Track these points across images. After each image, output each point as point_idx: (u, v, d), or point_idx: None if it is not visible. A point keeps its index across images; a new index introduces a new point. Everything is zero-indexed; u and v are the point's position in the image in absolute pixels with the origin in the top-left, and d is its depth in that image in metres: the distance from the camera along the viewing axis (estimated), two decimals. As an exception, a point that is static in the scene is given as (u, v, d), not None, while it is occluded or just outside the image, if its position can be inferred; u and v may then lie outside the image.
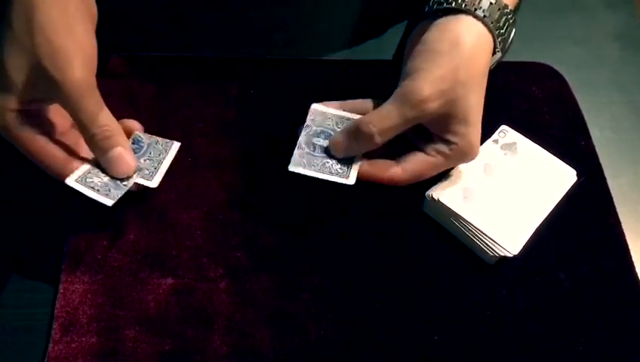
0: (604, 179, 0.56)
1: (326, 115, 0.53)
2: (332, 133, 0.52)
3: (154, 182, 0.49)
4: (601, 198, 0.55)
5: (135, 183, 0.49)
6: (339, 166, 0.51)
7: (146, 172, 0.49)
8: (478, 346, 0.48)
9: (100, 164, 0.48)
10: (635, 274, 0.52)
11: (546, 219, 0.51)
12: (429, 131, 0.50)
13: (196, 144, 0.56)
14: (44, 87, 0.45)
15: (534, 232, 0.50)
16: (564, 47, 0.65)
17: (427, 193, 0.52)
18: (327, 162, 0.51)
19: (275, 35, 0.61)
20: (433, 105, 0.47)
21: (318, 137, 0.52)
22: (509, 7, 0.49)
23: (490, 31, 0.48)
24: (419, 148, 0.51)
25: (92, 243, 0.51)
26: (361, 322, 0.49)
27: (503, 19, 0.48)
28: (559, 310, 0.50)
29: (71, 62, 0.45)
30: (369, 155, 0.52)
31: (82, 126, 0.47)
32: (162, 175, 0.49)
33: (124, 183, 0.48)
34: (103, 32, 0.47)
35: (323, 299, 0.49)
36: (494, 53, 0.50)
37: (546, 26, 0.67)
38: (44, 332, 0.47)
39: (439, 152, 0.50)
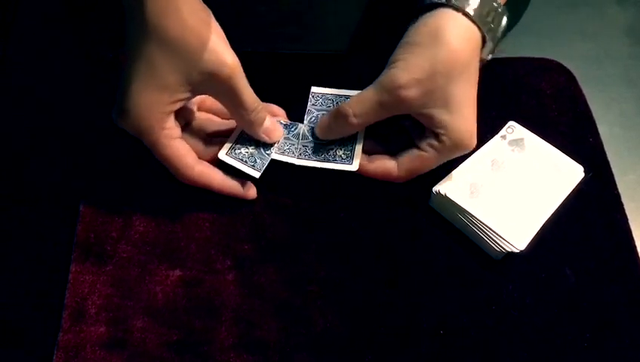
0: (611, 175, 0.56)
1: (326, 96, 0.54)
2: None
3: (297, 160, 0.52)
4: (609, 195, 0.55)
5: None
6: (342, 152, 0.51)
7: (286, 149, 0.52)
8: (484, 341, 0.48)
9: (255, 136, 0.51)
10: (642, 270, 0.52)
11: (552, 214, 0.51)
12: (425, 126, 0.50)
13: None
14: (200, 80, 0.46)
15: (541, 228, 0.51)
16: (572, 43, 0.65)
17: (434, 188, 0.52)
18: (331, 149, 0.52)
19: (285, 28, 0.61)
20: (409, 94, 0.48)
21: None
22: None
23: (473, 22, 0.48)
24: (415, 143, 0.51)
25: (101, 235, 0.51)
26: (367, 315, 0.49)
27: (487, 9, 0.49)
28: (565, 305, 0.50)
29: (224, 50, 0.45)
30: (369, 151, 0.52)
31: (241, 106, 0.48)
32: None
33: (268, 152, 0.51)
34: (107, 29, 0.48)
35: (329, 292, 0.50)
36: (485, 43, 0.50)
37: (555, 21, 0.66)
38: (53, 321, 0.47)
39: (431, 146, 0.50)
